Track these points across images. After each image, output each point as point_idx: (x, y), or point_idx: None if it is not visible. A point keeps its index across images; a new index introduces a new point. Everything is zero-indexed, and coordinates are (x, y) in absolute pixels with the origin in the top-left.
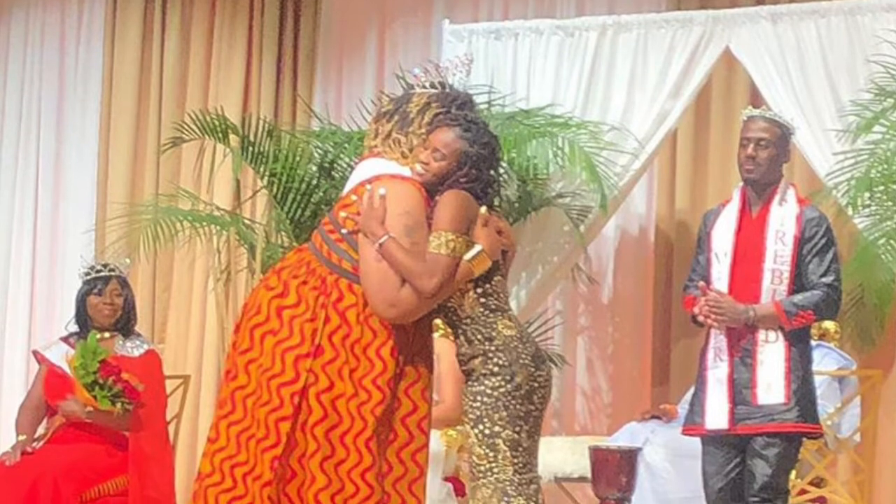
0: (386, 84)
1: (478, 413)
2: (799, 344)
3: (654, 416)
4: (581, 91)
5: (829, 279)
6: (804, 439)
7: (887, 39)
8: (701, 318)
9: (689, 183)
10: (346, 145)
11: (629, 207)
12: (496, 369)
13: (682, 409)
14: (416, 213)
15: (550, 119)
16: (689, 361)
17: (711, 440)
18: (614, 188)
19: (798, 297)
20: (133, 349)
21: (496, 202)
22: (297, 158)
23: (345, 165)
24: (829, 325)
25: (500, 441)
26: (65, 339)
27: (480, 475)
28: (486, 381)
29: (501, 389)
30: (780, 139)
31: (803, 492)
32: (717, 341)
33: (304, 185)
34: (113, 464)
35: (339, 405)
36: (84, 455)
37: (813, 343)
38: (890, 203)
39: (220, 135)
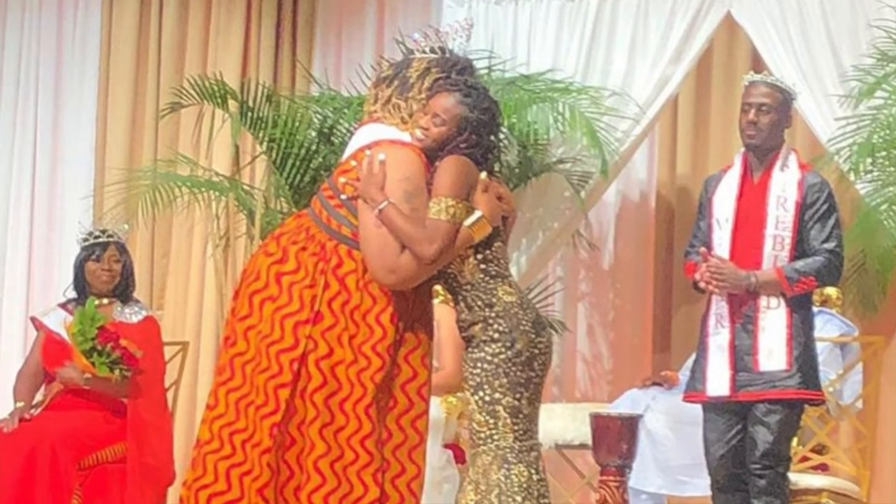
0: (386, 49)
1: (478, 380)
2: (801, 310)
3: (655, 383)
4: (582, 56)
5: (830, 245)
6: (806, 406)
7: (889, 4)
8: (702, 285)
9: (690, 148)
10: (346, 110)
11: (630, 173)
12: (496, 336)
13: (684, 375)
14: (416, 179)
15: (551, 84)
16: (690, 328)
17: (713, 407)
18: (615, 154)
19: (800, 264)
20: (131, 315)
21: (496, 168)
22: (297, 124)
23: (344, 131)
24: (830, 291)
25: (500, 408)
26: (63, 306)
27: (481, 442)
28: (487, 348)
29: (502, 356)
30: (782, 104)
31: (805, 459)
32: (719, 308)
33: (303, 151)
34: (111, 431)
35: (339, 372)
36: (82, 422)
37: (815, 309)
38: (892, 169)
39: (219, 100)
